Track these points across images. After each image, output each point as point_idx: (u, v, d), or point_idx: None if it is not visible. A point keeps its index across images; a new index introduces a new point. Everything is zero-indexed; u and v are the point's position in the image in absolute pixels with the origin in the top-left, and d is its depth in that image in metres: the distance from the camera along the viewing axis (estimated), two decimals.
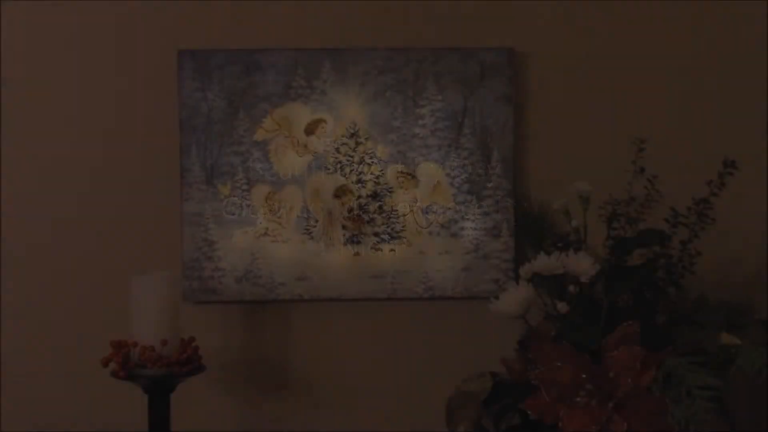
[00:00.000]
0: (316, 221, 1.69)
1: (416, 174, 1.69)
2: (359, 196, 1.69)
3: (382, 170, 1.69)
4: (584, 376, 1.28)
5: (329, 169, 1.69)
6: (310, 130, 1.69)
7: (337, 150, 1.69)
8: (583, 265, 1.37)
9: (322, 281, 1.68)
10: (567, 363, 1.29)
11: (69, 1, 1.69)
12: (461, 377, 1.47)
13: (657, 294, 1.48)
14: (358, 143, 1.69)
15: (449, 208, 1.69)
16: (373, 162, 1.69)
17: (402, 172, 1.69)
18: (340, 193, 1.69)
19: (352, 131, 1.69)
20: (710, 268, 1.61)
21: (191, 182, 1.67)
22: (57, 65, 1.69)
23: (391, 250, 1.69)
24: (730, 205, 1.53)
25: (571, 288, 1.39)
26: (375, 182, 1.69)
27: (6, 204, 1.69)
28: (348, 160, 1.69)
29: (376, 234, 1.69)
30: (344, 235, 1.69)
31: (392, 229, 1.69)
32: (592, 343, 1.31)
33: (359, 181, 1.69)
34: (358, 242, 1.69)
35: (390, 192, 1.69)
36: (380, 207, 1.69)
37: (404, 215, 1.69)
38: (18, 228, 1.69)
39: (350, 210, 1.69)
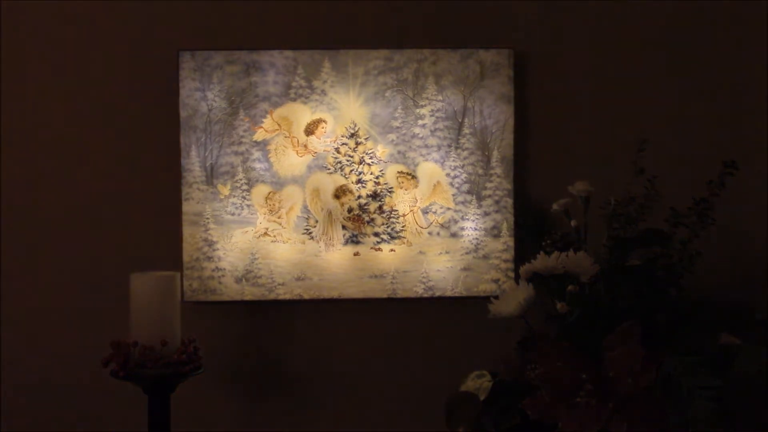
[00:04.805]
0: (316, 221, 1.69)
1: (416, 174, 1.69)
2: (359, 196, 1.69)
3: (382, 170, 1.69)
4: (584, 376, 1.28)
5: (329, 169, 1.69)
6: (310, 130, 1.69)
7: (337, 150, 1.69)
8: (583, 265, 1.37)
9: (322, 281, 1.68)
10: (567, 363, 1.29)
11: (69, 2, 1.69)
12: (461, 377, 1.47)
13: (657, 294, 1.48)
14: (358, 143, 1.69)
15: (449, 208, 1.70)
16: (373, 162, 1.69)
17: (402, 172, 1.69)
18: (340, 193, 1.69)
19: (352, 131, 1.69)
20: (710, 268, 1.61)
21: (191, 182, 1.67)
22: (57, 65, 1.69)
23: (391, 250, 1.69)
24: (730, 205, 1.53)
25: (571, 288, 1.39)
26: (375, 182, 1.69)
27: (6, 204, 1.69)
28: (348, 160, 1.69)
29: (376, 234, 1.69)
30: (344, 235, 1.69)
31: (392, 229, 1.69)
32: (592, 343, 1.31)
33: (359, 181, 1.69)
34: (358, 242, 1.69)
35: (390, 192, 1.69)
36: (380, 207, 1.69)
37: (404, 215, 1.69)
38: (18, 228, 1.69)
39: (350, 210, 1.69)
